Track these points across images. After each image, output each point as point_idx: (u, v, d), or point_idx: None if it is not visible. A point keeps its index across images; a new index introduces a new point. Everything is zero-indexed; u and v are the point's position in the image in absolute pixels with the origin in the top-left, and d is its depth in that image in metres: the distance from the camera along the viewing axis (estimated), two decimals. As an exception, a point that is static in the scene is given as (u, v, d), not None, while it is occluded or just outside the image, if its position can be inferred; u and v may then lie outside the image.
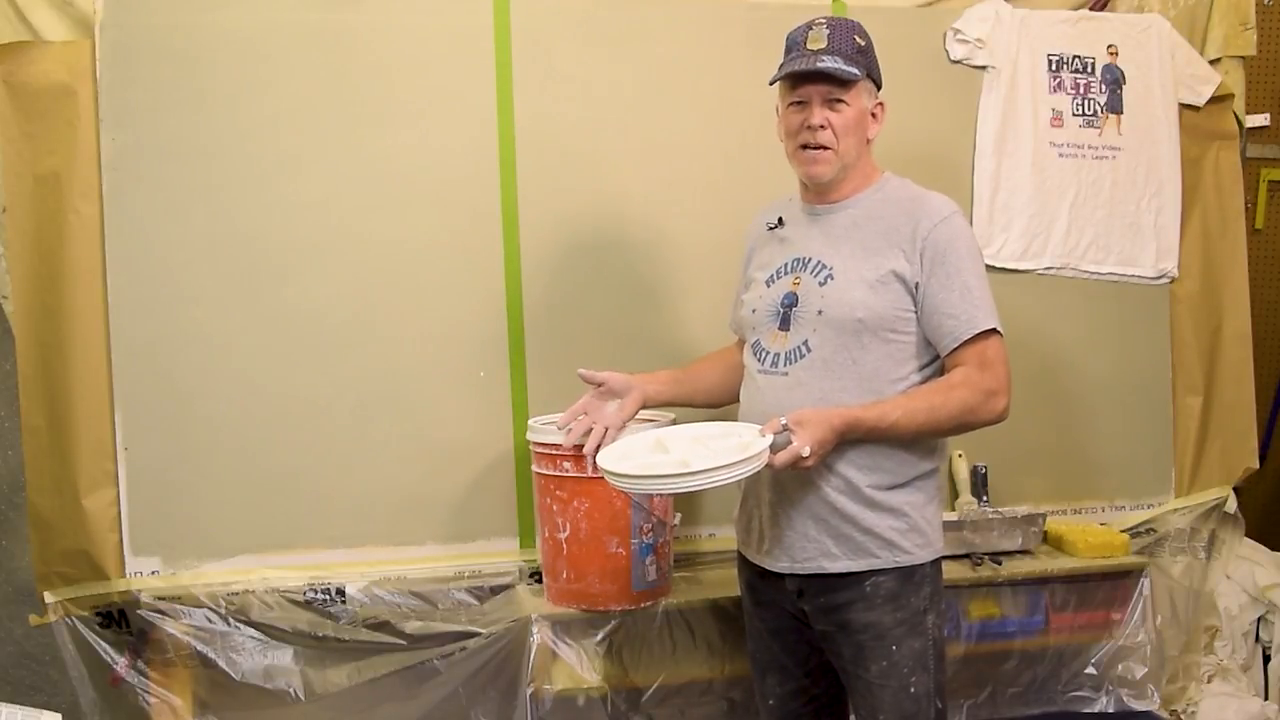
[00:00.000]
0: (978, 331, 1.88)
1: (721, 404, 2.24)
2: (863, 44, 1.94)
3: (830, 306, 1.92)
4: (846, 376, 1.91)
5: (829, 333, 1.92)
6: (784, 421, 1.78)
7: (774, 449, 1.76)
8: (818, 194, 2.01)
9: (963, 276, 1.89)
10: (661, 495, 2.34)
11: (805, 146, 1.95)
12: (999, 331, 1.90)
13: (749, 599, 2.14)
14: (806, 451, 1.77)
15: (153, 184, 2.43)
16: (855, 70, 1.90)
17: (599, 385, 2.08)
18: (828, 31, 1.92)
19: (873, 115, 1.98)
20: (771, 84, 1.99)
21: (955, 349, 1.89)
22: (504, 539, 2.63)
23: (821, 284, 1.95)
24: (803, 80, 1.93)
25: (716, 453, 1.81)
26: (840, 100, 1.92)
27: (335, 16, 2.51)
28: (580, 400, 2.09)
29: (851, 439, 1.85)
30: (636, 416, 2.18)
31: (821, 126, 1.92)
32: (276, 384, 2.49)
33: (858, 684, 1.96)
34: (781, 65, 1.96)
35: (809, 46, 1.93)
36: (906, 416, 1.85)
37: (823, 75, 1.90)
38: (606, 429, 2.05)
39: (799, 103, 1.94)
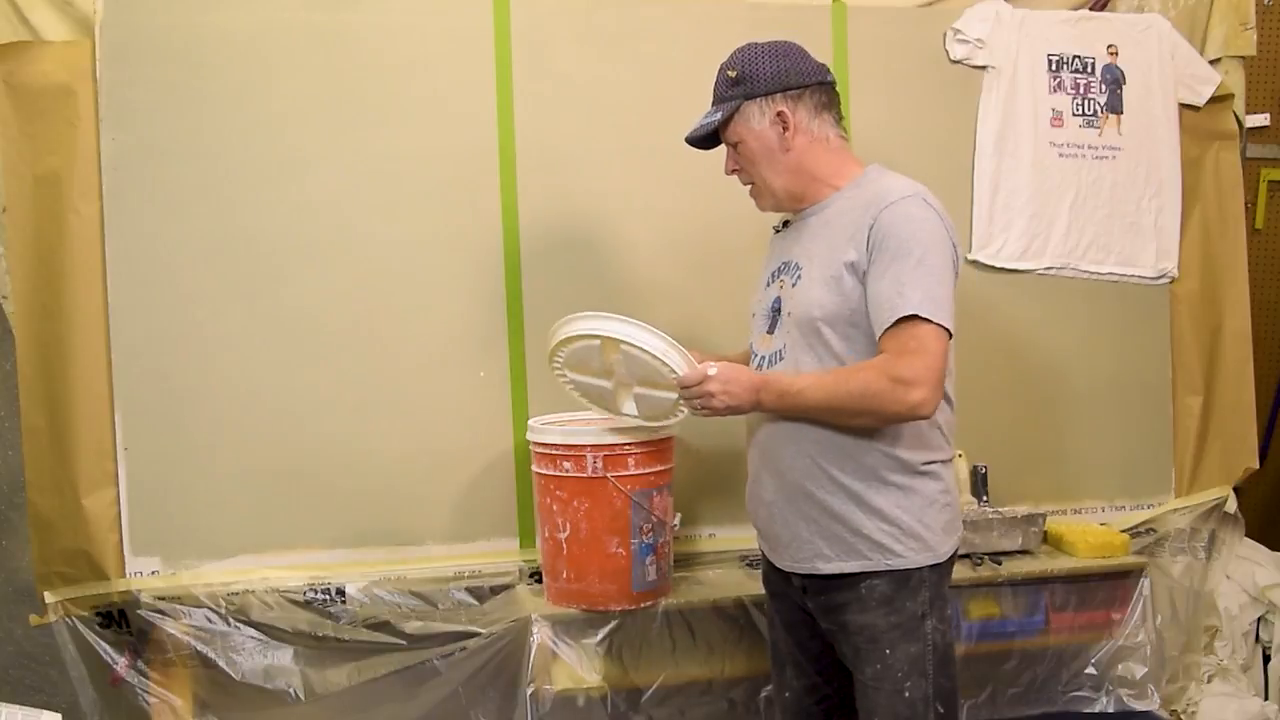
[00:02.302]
0: (899, 316, 1.78)
1: None
2: (734, 75, 1.96)
3: (795, 308, 1.94)
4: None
5: (796, 334, 1.93)
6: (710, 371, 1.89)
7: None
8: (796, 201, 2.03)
9: (897, 262, 1.80)
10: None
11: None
12: (931, 321, 1.78)
13: (766, 589, 2.16)
14: (712, 370, 1.86)
15: (153, 184, 2.43)
16: (714, 118, 1.97)
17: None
18: (717, 78, 2.00)
19: (783, 126, 1.93)
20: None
21: (880, 335, 1.82)
22: (504, 539, 2.63)
23: (794, 286, 1.96)
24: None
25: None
26: (733, 142, 1.98)
27: (335, 16, 2.51)
28: None
29: (768, 400, 1.88)
30: None
31: (735, 171, 2.01)
32: (276, 384, 2.49)
33: (856, 684, 1.96)
34: None
35: None
36: (812, 387, 1.85)
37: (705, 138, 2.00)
38: None
39: None
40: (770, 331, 2.00)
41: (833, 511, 1.90)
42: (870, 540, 1.89)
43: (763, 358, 2.00)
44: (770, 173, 1.96)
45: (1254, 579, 3.01)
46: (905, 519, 1.90)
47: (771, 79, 1.94)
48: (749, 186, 2.02)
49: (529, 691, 2.37)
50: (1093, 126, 2.91)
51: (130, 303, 2.42)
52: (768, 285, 2.05)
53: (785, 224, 2.09)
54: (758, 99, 1.94)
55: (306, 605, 2.46)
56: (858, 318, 1.87)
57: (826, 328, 1.88)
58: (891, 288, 1.80)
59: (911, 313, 1.77)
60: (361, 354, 2.53)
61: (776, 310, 1.99)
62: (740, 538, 2.64)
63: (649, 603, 2.42)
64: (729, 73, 1.97)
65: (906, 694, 1.90)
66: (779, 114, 1.94)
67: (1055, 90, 2.89)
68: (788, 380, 1.87)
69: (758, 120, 1.95)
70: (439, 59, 2.57)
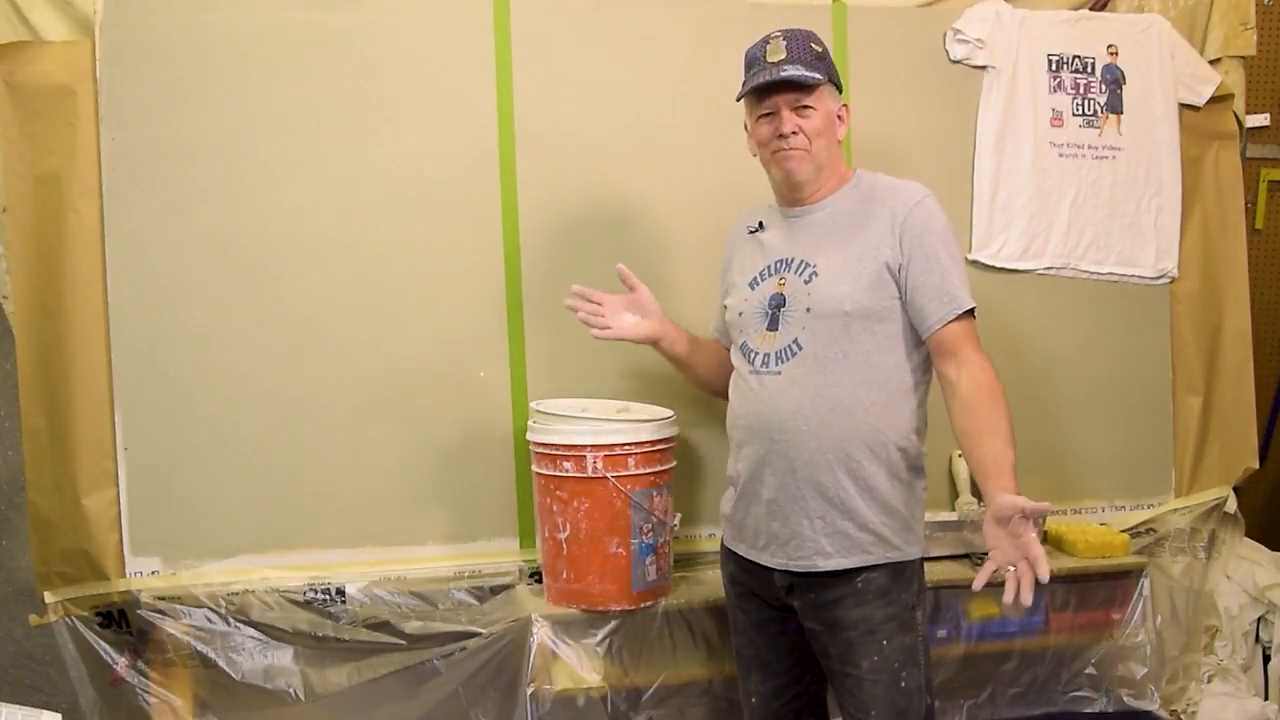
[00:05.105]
0: (962, 311, 1.94)
1: (712, 389, 2.27)
2: (820, 50, 2.00)
3: (817, 303, 1.96)
4: (839, 370, 1.94)
5: (818, 329, 1.95)
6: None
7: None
8: (793, 199, 2.05)
9: (940, 259, 1.95)
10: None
11: (780, 149, 1.99)
12: (973, 314, 1.97)
13: (731, 592, 2.17)
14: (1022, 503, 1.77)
15: (153, 184, 2.42)
16: (817, 75, 1.96)
17: (632, 291, 2.23)
18: (785, 43, 1.97)
19: (839, 118, 2.04)
20: (739, 100, 2.03)
21: (939, 329, 1.93)
22: (504, 539, 2.62)
23: (807, 282, 1.98)
24: (769, 91, 1.98)
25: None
26: (807, 106, 1.97)
27: (335, 16, 2.51)
28: (610, 295, 2.23)
29: (1012, 485, 1.82)
30: (639, 414, 2.27)
31: (794, 132, 1.97)
32: (276, 384, 2.49)
33: (847, 681, 1.97)
34: (745, 81, 2.01)
35: (769, 59, 1.97)
36: (1005, 452, 1.85)
37: (788, 83, 1.95)
38: (608, 326, 2.21)
39: (768, 114, 1.99)
40: (772, 329, 2.00)
41: (845, 506, 1.93)
42: (874, 534, 1.94)
43: (768, 355, 2.00)
44: (826, 150, 2.01)
45: (1254, 579, 3.01)
46: (903, 512, 1.97)
47: (837, 75, 2.05)
48: (792, 151, 1.98)
49: (529, 691, 2.37)
50: (1093, 126, 2.91)
51: (130, 303, 2.42)
52: (756, 284, 2.06)
53: (760, 225, 2.12)
54: (832, 86, 2.02)
55: (306, 605, 2.46)
56: (885, 313, 1.95)
57: (856, 322, 1.94)
58: (944, 283, 1.94)
59: (971, 307, 1.95)
60: (361, 354, 2.53)
61: (776, 307, 2.00)
62: (740, 538, 2.64)
63: (649, 603, 2.42)
64: (814, 47, 1.99)
65: (903, 684, 1.93)
66: (844, 107, 2.06)
67: (1055, 90, 2.89)
68: (996, 474, 1.83)
69: (832, 102, 2.02)
70: (439, 58, 2.56)
